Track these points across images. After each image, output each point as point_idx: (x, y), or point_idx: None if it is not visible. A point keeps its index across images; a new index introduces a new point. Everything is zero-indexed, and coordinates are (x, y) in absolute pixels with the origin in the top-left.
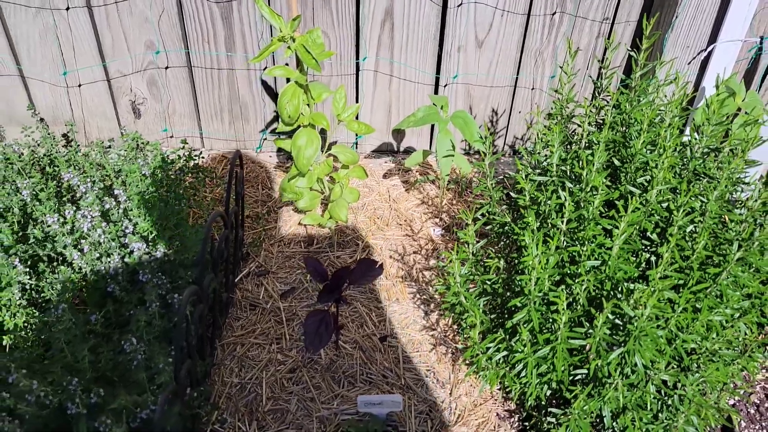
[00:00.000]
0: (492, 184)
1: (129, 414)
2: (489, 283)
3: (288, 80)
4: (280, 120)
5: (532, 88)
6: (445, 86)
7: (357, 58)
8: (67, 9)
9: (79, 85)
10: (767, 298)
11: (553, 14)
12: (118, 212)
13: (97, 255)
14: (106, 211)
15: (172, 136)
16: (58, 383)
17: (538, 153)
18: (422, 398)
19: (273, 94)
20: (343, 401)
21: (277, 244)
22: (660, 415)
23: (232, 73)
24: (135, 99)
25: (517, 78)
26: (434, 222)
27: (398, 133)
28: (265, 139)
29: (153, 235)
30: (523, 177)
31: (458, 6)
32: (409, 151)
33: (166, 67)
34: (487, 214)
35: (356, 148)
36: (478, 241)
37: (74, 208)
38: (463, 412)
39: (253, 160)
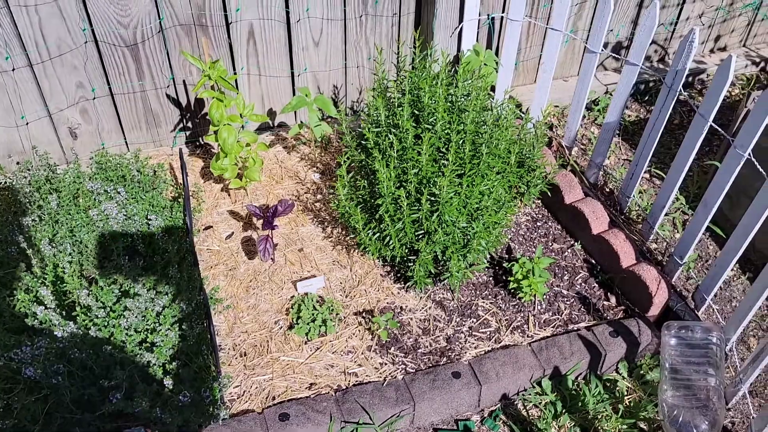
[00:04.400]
0: (350, 138)
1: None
2: (360, 196)
3: (212, 97)
4: (211, 122)
5: (357, 67)
6: (298, 76)
7: (234, 69)
8: (13, 70)
9: (27, 124)
10: (509, 172)
11: (361, 16)
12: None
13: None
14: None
15: (103, 147)
16: None
17: (370, 114)
18: (335, 276)
19: (176, 103)
20: (291, 287)
21: (211, 207)
22: (465, 247)
23: (144, 94)
24: (71, 125)
25: (345, 62)
26: (313, 171)
27: (271, 114)
28: (177, 136)
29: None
30: (367, 130)
31: (297, 22)
32: (281, 125)
33: (94, 98)
34: (350, 157)
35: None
36: (350, 173)
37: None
38: (361, 278)
39: (171, 153)
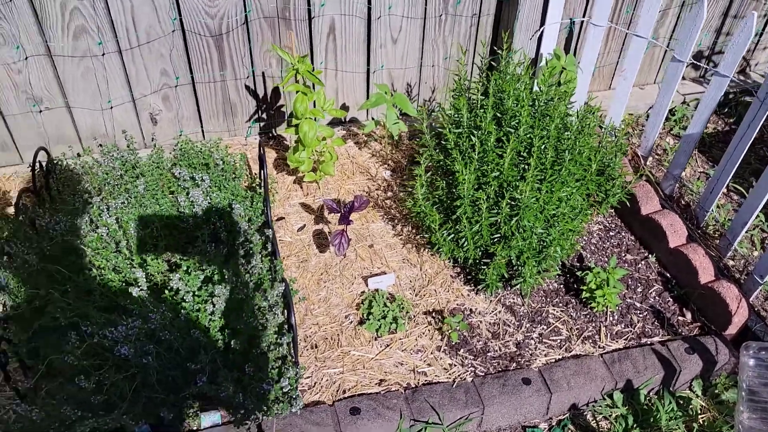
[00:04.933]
0: (429, 137)
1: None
2: (437, 196)
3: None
4: (293, 114)
5: (432, 66)
6: (374, 72)
7: (312, 63)
8: (103, 55)
9: (111, 108)
10: (588, 180)
11: (440, 16)
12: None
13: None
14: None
15: (181, 134)
16: None
17: (451, 114)
18: (405, 274)
19: (253, 94)
20: (361, 283)
21: (283, 199)
22: (541, 254)
23: (224, 84)
24: (153, 111)
25: (421, 61)
26: (384, 167)
27: (344, 109)
28: (251, 127)
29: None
30: (448, 130)
31: (378, 18)
32: (352, 120)
33: (176, 86)
34: (429, 156)
35: None
36: (427, 172)
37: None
38: (431, 277)
39: (244, 144)
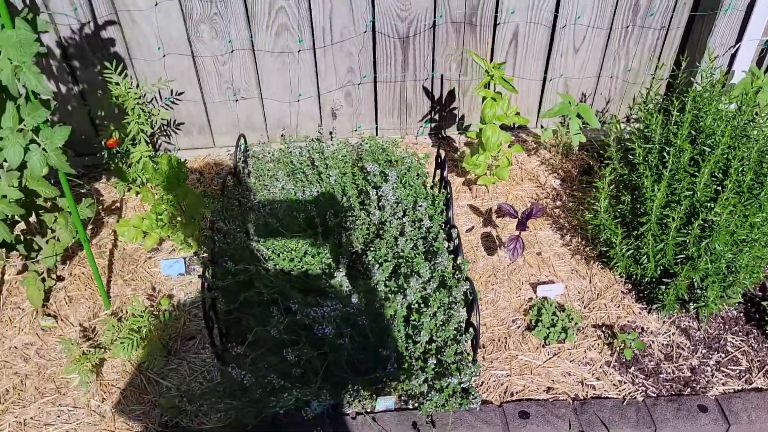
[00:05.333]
0: (614, 150)
1: None
2: (619, 210)
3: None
4: (481, 119)
5: (611, 77)
6: (550, 80)
7: None
8: (299, 51)
9: (298, 101)
10: None
11: (627, 27)
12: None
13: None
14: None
15: (356, 130)
16: None
17: (641, 128)
18: (573, 285)
19: (429, 96)
20: (528, 289)
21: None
22: (726, 279)
23: (404, 84)
24: (334, 106)
25: (600, 71)
26: (553, 176)
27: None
28: (422, 127)
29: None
30: (637, 145)
31: (563, 27)
32: (521, 127)
33: (359, 83)
34: (613, 169)
35: None
36: (610, 185)
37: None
38: (600, 291)
39: (415, 143)
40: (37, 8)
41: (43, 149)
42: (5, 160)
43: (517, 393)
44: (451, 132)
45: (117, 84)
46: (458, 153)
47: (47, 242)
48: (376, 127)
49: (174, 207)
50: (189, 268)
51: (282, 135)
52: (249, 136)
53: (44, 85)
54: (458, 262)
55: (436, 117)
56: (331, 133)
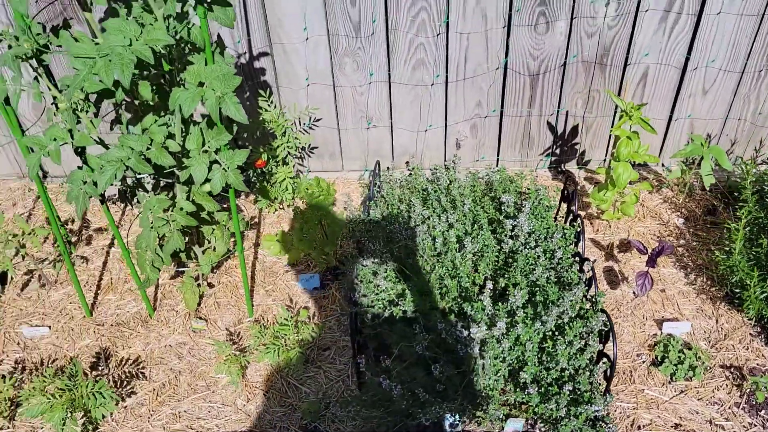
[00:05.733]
0: (750, 191)
1: None
2: (755, 253)
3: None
4: (611, 155)
5: (738, 119)
6: (675, 120)
7: (615, 106)
8: (432, 85)
9: (426, 131)
10: None
11: (761, 71)
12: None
13: None
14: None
15: (478, 160)
16: None
17: None
18: (699, 324)
19: (552, 131)
20: (653, 325)
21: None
22: None
23: (529, 119)
24: (459, 137)
25: (728, 113)
26: (676, 215)
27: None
28: (542, 160)
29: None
30: None
31: (693, 69)
32: (642, 165)
33: (486, 116)
34: (747, 212)
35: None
36: (745, 227)
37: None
38: (728, 332)
39: (535, 175)
40: (224, 44)
41: (224, 169)
42: (186, 178)
43: (644, 426)
44: (570, 166)
45: (267, 110)
46: (578, 187)
47: (204, 252)
48: (497, 158)
49: (316, 225)
50: (323, 283)
51: (407, 162)
52: (375, 162)
53: (242, 113)
54: (591, 294)
55: (557, 151)
56: (453, 162)
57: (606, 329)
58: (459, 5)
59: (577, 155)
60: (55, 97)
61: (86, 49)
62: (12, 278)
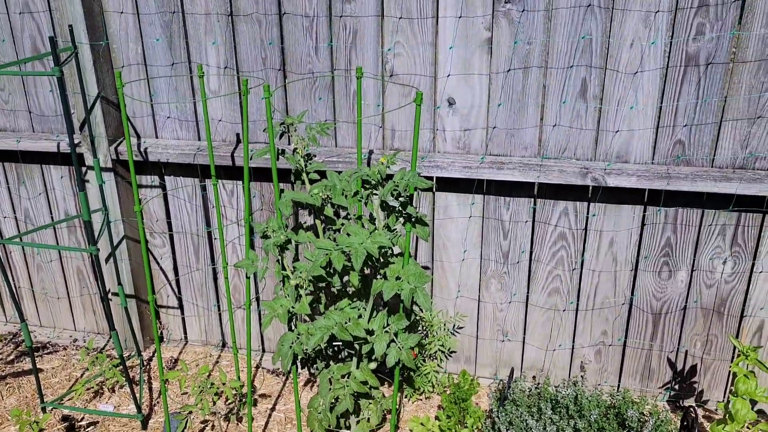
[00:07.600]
0: None
1: None
2: None
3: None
4: (729, 391)
5: None
6: None
7: (733, 347)
8: (563, 310)
9: (554, 350)
10: None
11: None
12: None
13: None
14: None
15: (600, 384)
16: None
17: None
18: None
19: (672, 366)
20: None
21: None
22: None
23: (650, 352)
24: (584, 360)
25: None
26: None
27: None
28: (662, 393)
29: None
30: None
31: None
32: (761, 411)
33: (610, 345)
34: None
35: None
36: None
37: None
38: None
39: (655, 406)
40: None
41: (398, 347)
42: (368, 350)
43: None
44: (688, 402)
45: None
46: (697, 422)
47: (358, 422)
48: (618, 385)
49: (459, 417)
50: None
51: (534, 377)
52: (504, 371)
53: (429, 303)
54: None
55: (676, 387)
56: (576, 383)
57: None
58: (594, 248)
59: (696, 393)
60: (286, 276)
61: (324, 243)
62: (188, 423)
